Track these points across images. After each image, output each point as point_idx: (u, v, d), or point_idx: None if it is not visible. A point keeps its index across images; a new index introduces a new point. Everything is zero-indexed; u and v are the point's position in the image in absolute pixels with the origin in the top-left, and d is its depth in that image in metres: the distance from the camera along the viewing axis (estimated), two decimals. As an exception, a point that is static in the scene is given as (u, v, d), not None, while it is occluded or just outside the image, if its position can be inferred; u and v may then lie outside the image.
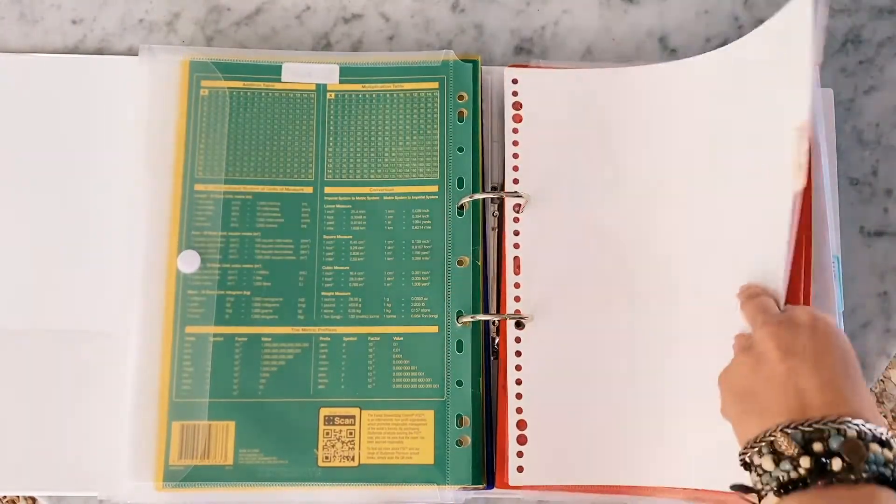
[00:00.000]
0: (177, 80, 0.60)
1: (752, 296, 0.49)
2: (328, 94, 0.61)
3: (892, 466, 0.39)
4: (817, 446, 0.39)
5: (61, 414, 0.56)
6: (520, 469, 0.55)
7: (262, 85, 0.61)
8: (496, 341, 0.58)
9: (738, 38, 0.64)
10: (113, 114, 0.61)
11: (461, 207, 0.59)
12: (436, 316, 0.58)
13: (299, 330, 0.58)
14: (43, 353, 0.57)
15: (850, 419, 0.40)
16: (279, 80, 0.61)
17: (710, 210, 0.56)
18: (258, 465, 0.55)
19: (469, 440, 0.56)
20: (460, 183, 0.60)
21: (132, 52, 0.63)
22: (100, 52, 0.63)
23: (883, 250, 0.62)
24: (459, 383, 0.57)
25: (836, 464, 0.39)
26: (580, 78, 0.61)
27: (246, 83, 0.61)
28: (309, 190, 0.60)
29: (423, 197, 0.60)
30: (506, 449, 0.55)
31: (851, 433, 0.39)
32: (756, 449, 0.41)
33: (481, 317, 0.57)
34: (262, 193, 0.59)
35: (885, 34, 0.65)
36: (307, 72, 0.61)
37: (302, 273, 0.59)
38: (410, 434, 0.56)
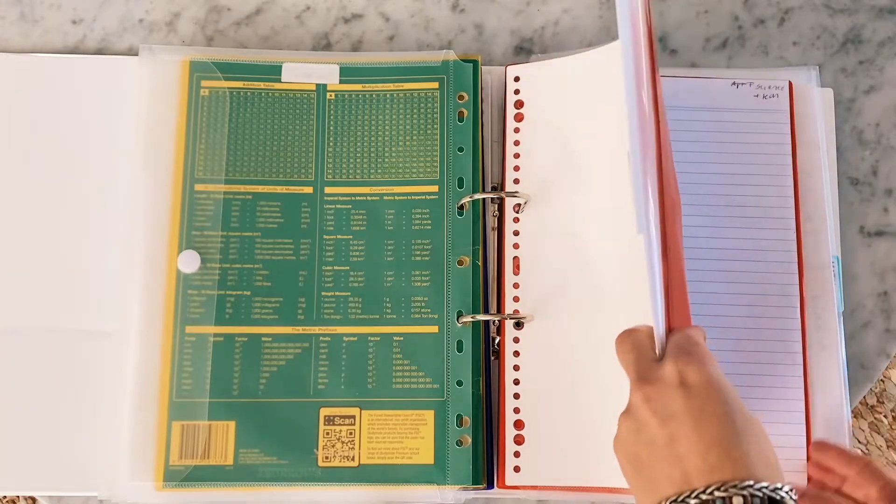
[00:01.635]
0: (177, 80, 0.60)
1: (625, 339, 0.46)
2: (328, 94, 0.61)
3: None
4: None
5: (61, 414, 0.56)
6: (517, 469, 0.55)
7: (262, 85, 0.61)
8: (496, 341, 0.58)
9: (738, 39, 0.64)
10: (113, 114, 0.61)
11: (461, 207, 0.59)
12: (436, 316, 0.58)
13: (299, 330, 0.58)
14: (43, 352, 0.57)
15: (736, 483, 0.38)
16: (279, 80, 0.61)
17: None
18: (258, 465, 0.55)
19: (469, 440, 0.56)
20: (460, 183, 0.60)
21: (132, 52, 0.63)
22: (100, 52, 0.63)
23: (883, 250, 0.62)
24: (459, 383, 0.57)
25: None
26: (580, 64, 0.60)
27: (246, 83, 0.61)
28: (309, 190, 0.60)
29: (423, 197, 0.60)
30: (504, 449, 0.55)
31: (737, 501, 0.37)
32: None
33: (481, 317, 0.57)
34: (262, 193, 0.59)
35: (885, 34, 0.65)
36: (307, 72, 0.61)
37: (302, 273, 0.59)
38: (410, 434, 0.56)
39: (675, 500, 0.39)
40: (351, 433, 0.56)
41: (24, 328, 0.58)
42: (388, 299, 0.58)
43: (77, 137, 0.61)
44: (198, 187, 0.59)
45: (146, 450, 0.55)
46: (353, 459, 0.56)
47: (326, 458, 0.56)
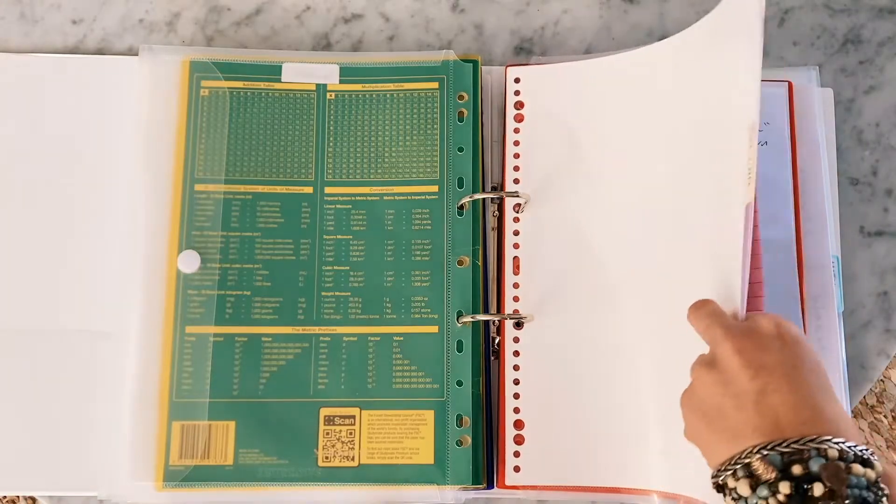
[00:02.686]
0: (177, 80, 0.60)
1: (701, 307, 0.47)
2: (328, 94, 0.61)
3: (874, 490, 0.37)
4: (797, 469, 0.37)
5: (61, 414, 0.56)
6: (517, 469, 0.55)
7: (262, 85, 0.61)
8: (496, 341, 0.58)
9: (738, 38, 0.64)
10: (113, 114, 0.61)
11: (461, 207, 0.59)
12: (436, 316, 0.58)
13: (299, 330, 0.58)
14: (43, 352, 0.57)
15: (829, 438, 0.38)
16: (279, 80, 0.61)
17: (672, 213, 0.55)
18: (258, 466, 0.55)
19: (469, 440, 0.56)
20: (460, 183, 0.60)
21: (132, 52, 0.63)
22: (100, 52, 0.63)
23: (883, 250, 0.62)
24: (459, 383, 0.57)
25: (818, 489, 0.36)
26: (581, 71, 0.61)
27: (246, 83, 0.61)
28: (309, 190, 0.60)
29: (423, 197, 0.60)
30: (504, 449, 0.55)
31: (833, 453, 0.37)
32: (730, 472, 0.39)
33: (481, 317, 0.57)
34: (262, 193, 0.59)
35: (885, 34, 0.65)
36: (307, 72, 0.61)
37: (302, 273, 0.59)
38: (410, 434, 0.56)
39: (764, 447, 0.38)
40: (351, 433, 0.56)
41: (24, 328, 0.58)
42: (388, 299, 0.58)
43: (77, 137, 0.61)
44: (198, 187, 0.59)
45: (146, 450, 0.55)
46: (352, 459, 0.56)
47: (326, 458, 0.56)
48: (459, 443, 0.56)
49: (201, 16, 0.64)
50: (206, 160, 0.59)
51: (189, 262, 0.57)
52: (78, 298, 0.58)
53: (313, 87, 0.61)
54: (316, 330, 0.58)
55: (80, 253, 0.59)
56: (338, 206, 0.60)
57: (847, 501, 0.36)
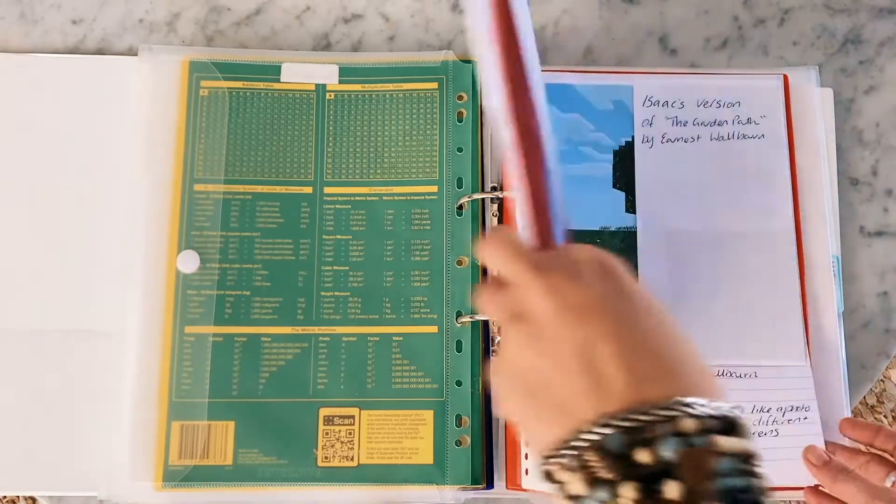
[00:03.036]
0: (177, 80, 0.60)
1: (494, 237, 0.35)
2: (328, 94, 0.61)
3: (749, 469, 0.28)
4: (643, 456, 0.27)
5: (61, 414, 0.56)
6: (527, 472, 0.55)
7: (261, 85, 0.61)
8: (496, 341, 0.58)
9: (738, 38, 0.64)
10: (113, 114, 0.61)
11: (460, 207, 0.59)
12: (435, 316, 0.58)
13: (299, 330, 0.58)
14: (43, 352, 0.57)
15: (681, 401, 0.28)
16: (279, 80, 0.61)
17: None
18: (258, 465, 0.55)
19: (468, 440, 0.56)
20: (460, 183, 0.60)
21: (132, 52, 0.63)
22: (100, 52, 0.63)
23: (883, 250, 0.61)
24: (459, 383, 0.57)
25: (673, 490, 0.27)
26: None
27: (245, 83, 0.61)
28: (308, 190, 0.60)
29: (422, 197, 0.60)
30: (514, 450, 0.55)
31: (688, 425, 0.27)
32: (558, 461, 0.29)
33: (481, 317, 0.57)
34: (261, 193, 0.59)
35: (885, 34, 0.65)
36: (307, 72, 0.61)
37: (301, 273, 0.59)
38: (410, 434, 0.56)
39: (597, 426, 0.28)
40: (350, 433, 0.56)
41: (23, 328, 0.58)
42: (387, 299, 0.58)
43: (77, 137, 0.61)
44: (197, 187, 0.59)
45: (146, 450, 0.55)
46: (352, 459, 0.56)
47: (326, 458, 0.56)
48: (459, 443, 0.56)
49: (201, 16, 0.64)
50: (206, 160, 0.59)
51: (188, 262, 0.57)
52: (78, 298, 0.58)
53: (313, 88, 0.61)
54: (315, 330, 0.58)
55: (79, 253, 0.59)
56: (337, 206, 0.60)
57: (713, 501, 0.27)
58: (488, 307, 0.35)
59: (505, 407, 0.34)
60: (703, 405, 0.28)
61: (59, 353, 0.57)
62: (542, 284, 0.32)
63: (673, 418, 0.28)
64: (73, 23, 0.64)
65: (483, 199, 0.60)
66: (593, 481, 0.28)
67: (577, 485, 0.29)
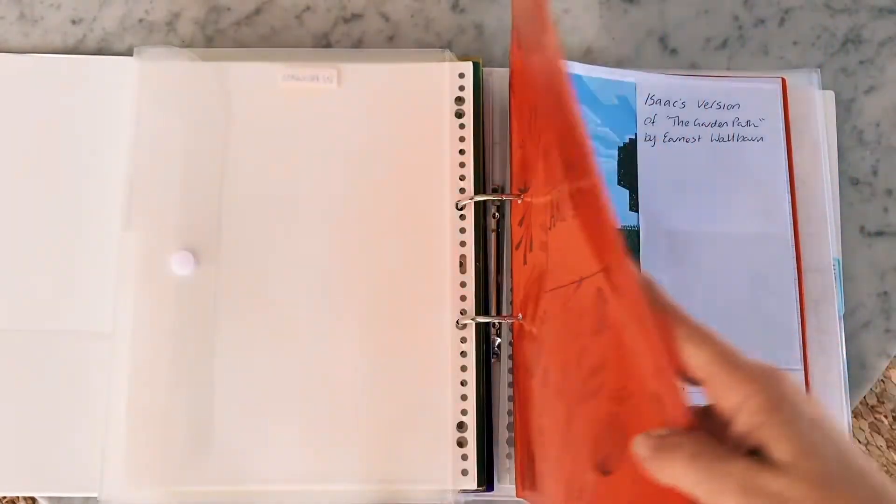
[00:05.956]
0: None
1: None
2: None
3: None
4: None
5: (60, 414, 0.56)
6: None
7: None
8: (497, 342, 0.58)
9: (738, 38, 0.64)
10: (112, 114, 0.61)
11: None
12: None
13: (299, 330, 0.58)
14: (42, 353, 0.57)
15: None
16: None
17: None
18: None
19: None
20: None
21: (132, 52, 0.63)
22: (100, 52, 0.63)
23: (883, 250, 0.62)
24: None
25: None
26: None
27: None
28: (309, 190, 0.60)
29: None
30: (532, 458, 0.54)
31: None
32: None
33: (481, 318, 0.57)
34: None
35: (885, 34, 0.65)
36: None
37: (302, 273, 0.58)
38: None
39: None
40: (351, 433, 0.56)
41: (21, 329, 0.58)
42: (387, 299, 0.58)
43: (76, 138, 0.60)
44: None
45: (143, 450, 0.55)
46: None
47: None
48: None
49: (201, 16, 0.64)
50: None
51: (183, 264, 0.57)
52: (75, 299, 0.58)
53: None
54: (316, 330, 0.58)
55: (76, 253, 0.59)
56: (338, 206, 0.60)
57: None
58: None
59: None
60: None
61: (58, 354, 0.57)
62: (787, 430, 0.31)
63: None
64: (73, 23, 0.64)
65: (484, 201, 0.60)
66: None
67: None
